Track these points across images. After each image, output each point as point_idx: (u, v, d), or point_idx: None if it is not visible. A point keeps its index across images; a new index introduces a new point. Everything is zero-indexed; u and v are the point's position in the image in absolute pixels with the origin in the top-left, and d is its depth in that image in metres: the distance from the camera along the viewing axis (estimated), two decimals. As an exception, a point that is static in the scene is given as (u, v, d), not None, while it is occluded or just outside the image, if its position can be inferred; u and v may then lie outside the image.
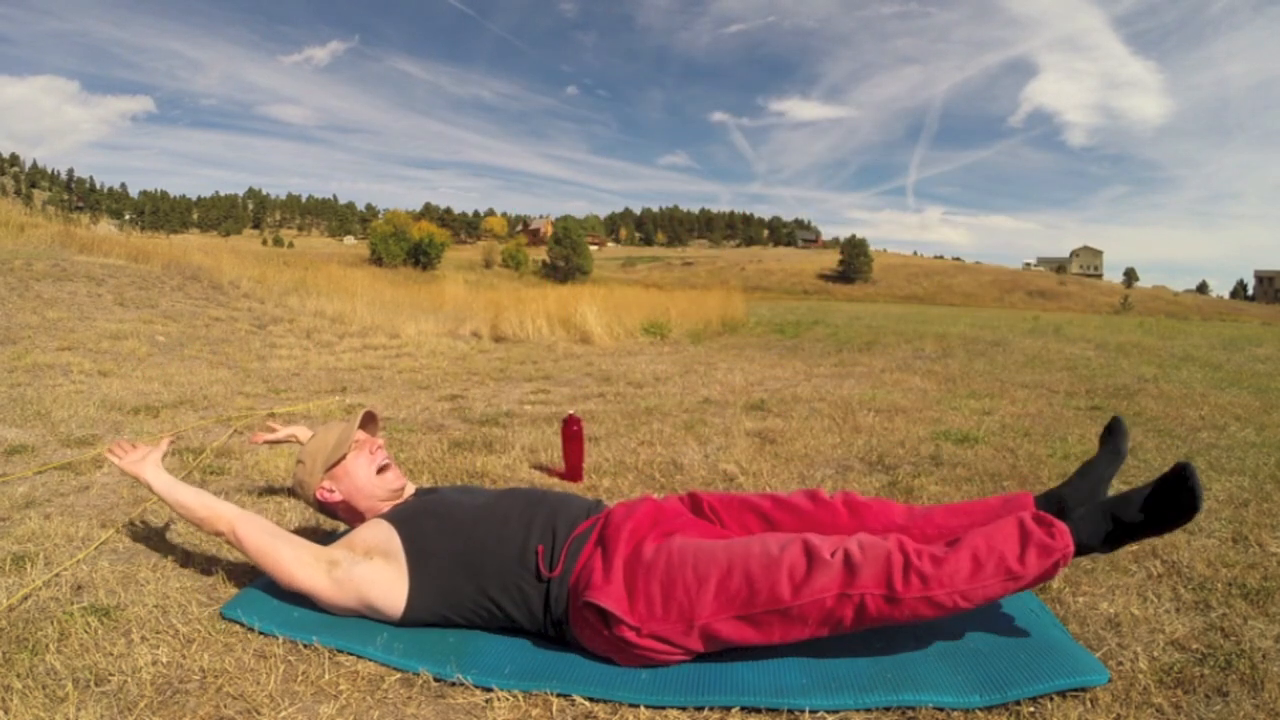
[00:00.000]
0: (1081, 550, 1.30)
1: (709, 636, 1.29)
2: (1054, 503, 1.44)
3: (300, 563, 1.45)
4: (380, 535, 1.47)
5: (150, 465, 1.64)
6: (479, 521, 1.47)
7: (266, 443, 2.07)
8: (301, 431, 2.11)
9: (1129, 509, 1.30)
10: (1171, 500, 1.26)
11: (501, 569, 1.41)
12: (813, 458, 2.87)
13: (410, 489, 1.72)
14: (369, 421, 1.78)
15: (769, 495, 1.58)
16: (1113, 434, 1.56)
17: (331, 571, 1.44)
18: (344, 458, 1.63)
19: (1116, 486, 2.43)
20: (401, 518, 1.51)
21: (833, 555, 1.26)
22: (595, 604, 1.29)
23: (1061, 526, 1.26)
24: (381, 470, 1.65)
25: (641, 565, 1.33)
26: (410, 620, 1.43)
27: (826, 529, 1.45)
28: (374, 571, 1.42)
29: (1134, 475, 2.55)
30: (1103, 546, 1.32)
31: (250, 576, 1.69)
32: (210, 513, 1.55)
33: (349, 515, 1.66)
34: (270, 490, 2.37)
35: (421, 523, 1.48)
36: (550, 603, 1.38)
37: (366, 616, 1.46)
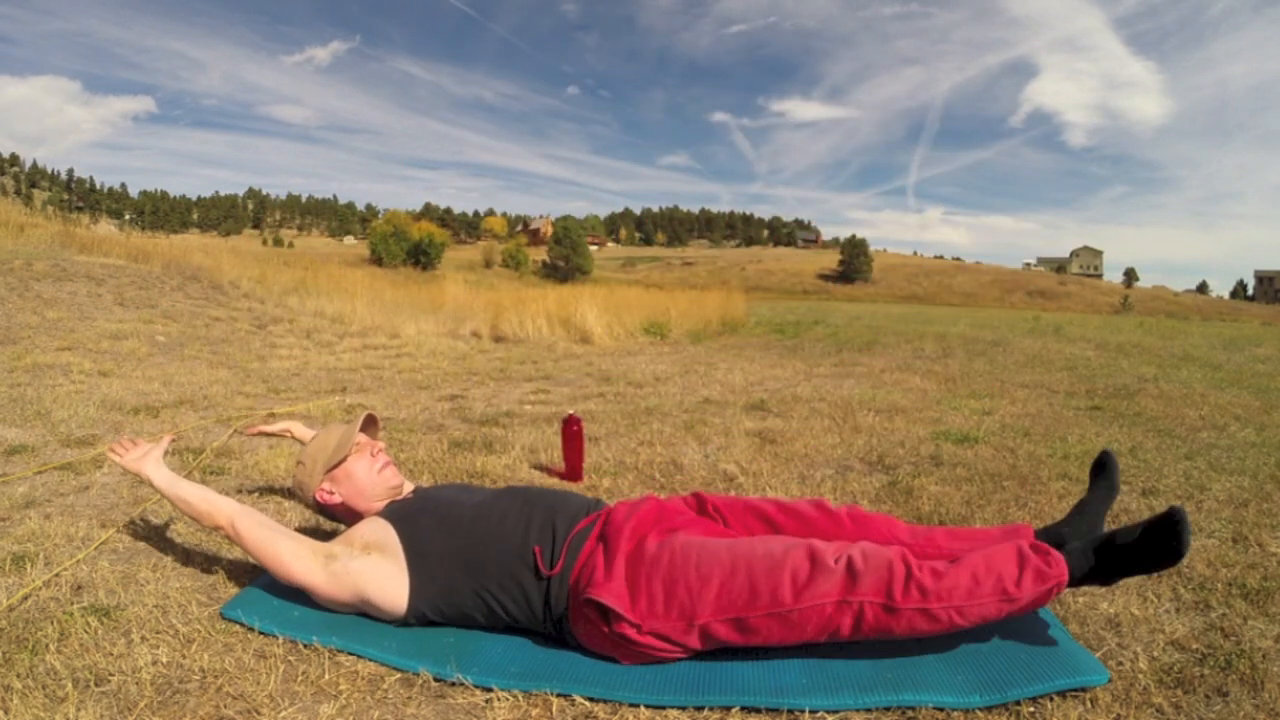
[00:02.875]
0: (1076, 582, 1.33)
1: (708, 636, 1.29)
2: (1053, 536, 1.46)
3: (298, 556, 1.45)
4: (378, 532, 1.47)
5: (151, 461, 1.65)
6: (477, 519, 1.47)
7: (261, 433, 2.11)
8: (296, 426, 2.12)
9: (1116, 549, 1.33)
10: (1159, 544, 1.28)
11: (501, 567, 1.41)
12: (813, 458, 2.87)
13: (409, 488, 1.72)
14: (370, 424, 1.78)
15: (774, 500, 1.59)
16: (1104, 469, 1.58)
17: (329, 565, 1.44)
18: (345, 460, 1.63)
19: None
20: (399, 516, 1.51)
21: (836, 561, 1.27)
22: (597, 601, 1.29)
23: (1058, 556, 1.29)
24: (381, 471, 1.65)
25: (644, 562, 1.33)
26: (410, 619, 1.43)
27: (830, 537, 1.45)
28: (371, 567, 1.42)
29: (1134, 475, 2.55)
30: (1100, 580, 1.35)
31: (250, 576, 1.69)
32: (210, 508, 1.55)
33: (349, 516, 1.66)
34: (270, 490, 2.37)
35: (419, 521, 1.48)
36: (550, 600, 1.38)
37: (364, 613, 1.46)
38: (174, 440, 1.87)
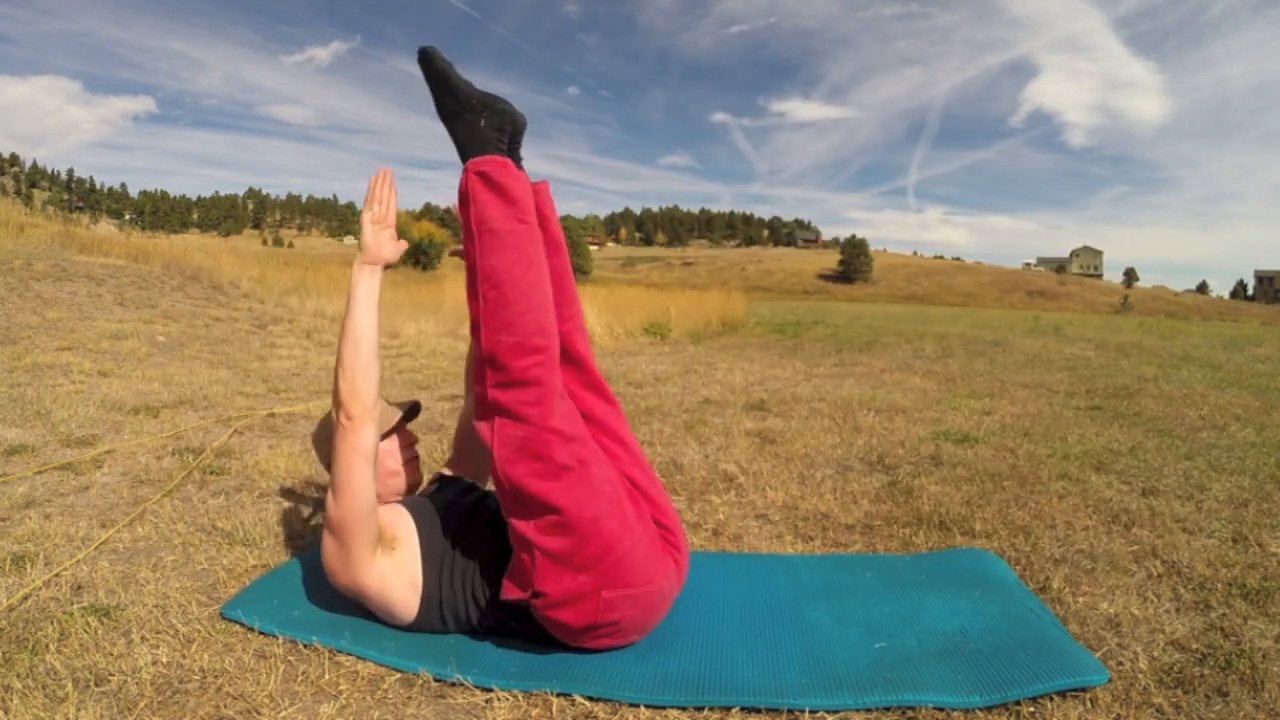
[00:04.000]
0: (467, 151, 1.36)
1: (547, 531, 1.27)
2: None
3: (370, 530, 1.34)
4: (401, 524, 1.44)
5: (381, 264, 1.39)
6: (486, 530, 1.46)
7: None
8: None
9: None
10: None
11: (499, 581, 1.40)
12: (813, 458, 2.87)
13: (427, 478, 1.72)
14: (412, 414, 1.73)
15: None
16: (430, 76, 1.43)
17: (379, 557, 1.37)
18: (381, 438, 1.58)
19: (1116, 484, 2.43)
20: (420, 512, 1.48)
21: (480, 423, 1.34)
22: (511, 601, 1.33)
23: (471, 160, 1.36)
24: (408, 462, 1.59)
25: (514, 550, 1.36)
26: (418, 626, 1.43)
27: None
28: (395, 566, 1.40)
29: (1134, 475, 2.55)
30: (467, 147, 1.37)
31: (250, 576, 1.69)
32: (365, 386, 1.31)
33: None
34: (270, 490, 2.37)
35: (437, 525, 1.46)
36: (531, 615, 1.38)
37: (371, 606, 1.43)
38: (408, 249, 1.52)
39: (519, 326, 1.29)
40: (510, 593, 1.32)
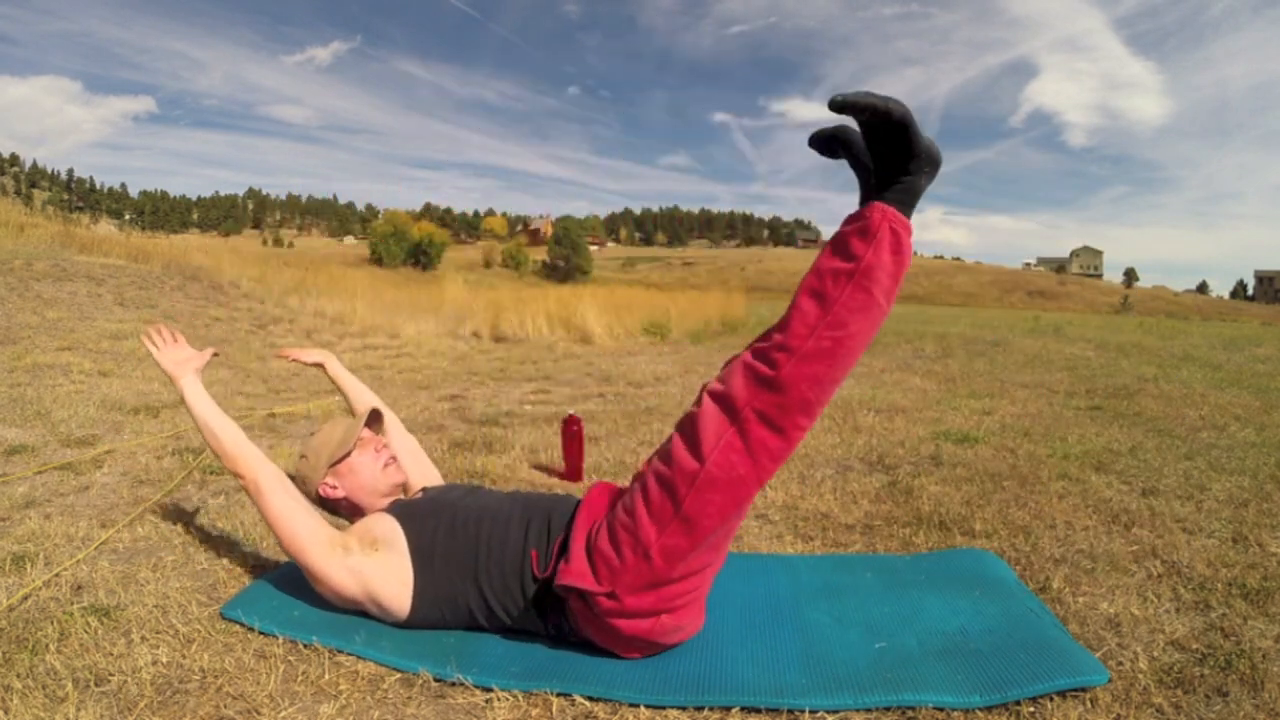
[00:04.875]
0: (898, 203, 1.20)
1: (669, 554, 1.26)
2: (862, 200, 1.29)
3: (315, 540, 1.44)
4: (386, 529, 1.46)
5: (191, 373, 1.58)
6: (482, 524, 1.46)
7: (295, 360, 1.99)
8: (331, 362, 2.01)
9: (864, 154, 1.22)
10: (885, 137, 1.16)
11: (501, 572, 1.41)
12: (813, 458, 2.87)
13: (419, 486, 1.72)
14: (375, 420, 1.77)
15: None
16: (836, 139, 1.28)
17: (345, 559, 1.42)
18: (349, 455, 1.62)
19: (1116, 484, 2.43)
20: (407, 514, 1.50)
21: (699, 404, 1.26)
22: (566, 586, 1.30)
23: (869, 206, 1.19)
24: (385, 467, 1.63)
25: (597, 537, 1.34)
26: (414, 622, 1.43)
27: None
28: (381, 566, 1.42)
29: (1134, 475, 2.55)
30: (890, 194, 1.20)
31: (251, 576, 1.69)
32: (239, 452, 1.50)
33: (351, 512, 1.66)
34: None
35: (426, 522, 1.48)
36: (545, 602, 1.38)
37: (365, 610, 1.45)
38: (216, 355, 1.77)
39: (822, 389, 1.21)
40: (578, 580, 1.29)
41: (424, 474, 1.84)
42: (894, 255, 1.19)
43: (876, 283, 1.18)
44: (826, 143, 1.26)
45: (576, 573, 1.30)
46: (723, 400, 1.23)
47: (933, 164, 1.21)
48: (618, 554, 1.28)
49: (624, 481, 2.53)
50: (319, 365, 2.02)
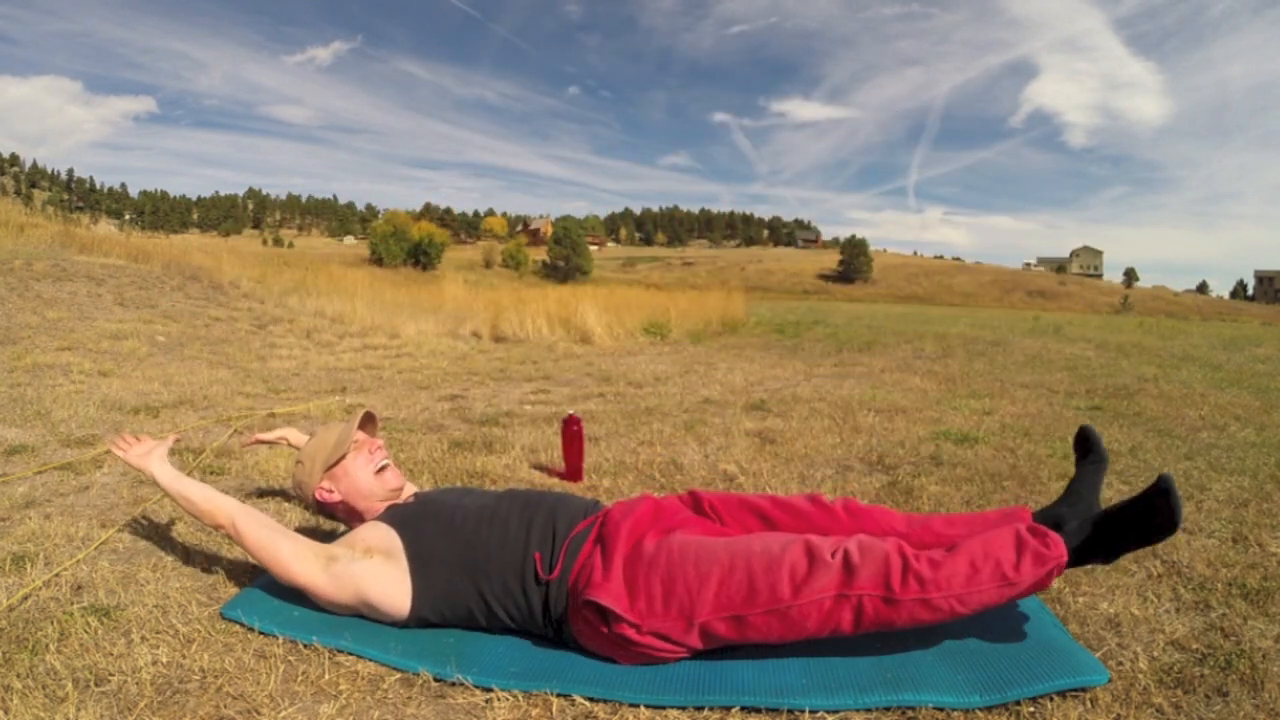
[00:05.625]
0: (1076, 560, 1.33)
1: (708, 634, 1.29)
2: (1050, 518, 1.45)
3: (299, 557, 1.45)
4: (380, 535, 1.47)
5: (156, 459, 1.65)
6: (479, 525, 1.46)
7: (258, 442, 2.09)
8: (292, 434, 2.12)
9: (1113, 522, 1.35)
10: (1153, 511, 1.31)
11: (502, 573, 1.41)
12: (813, 458, 2.87)
13: (410, 490, 1.71)
14: (368, 422, 1.78)
15: (769, 496, 1.58)
16: (1088, 442, 1.55)
17: (330, 567, 1.43)
18: (343, 458, 1.63)
19: (1115, 484, 2.43)
20: (401, 520, 1.51)
21: (833, 555, 1.27)
22: (596, 602, 1.29)
23: (1055, 537, 1.28)
24: (380, 471, 1.65)
25: (642, 562, 1.33)
26: (411, 622, 1.43)
27: (827, 531, 1.45)
28: (373, 569, 1.42)
29: (1134, 476, 2.55)
30: (1102, 557, 1.36)
31: (250, 576, 1.69)
32: (212, 506, 1.55)
33: (348, 515, 1.66)
34: (270, 491, 2.37)
35: (421, 526, 1.48)
36: (550, 604, 1.38)
37: (365, 616, 1.45)
38: (178, 440, 1.87)
39: (905, 624, 1.27)
40: (612, 602, 1.29)
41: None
42: (1038, 583, 1.27)
43: (1007, 597, 1.26)
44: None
45: (613, 595, 1.30)
46: (849, 570, 1.26)
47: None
48: (664, 603, 1.29)
49: (626, 479, 2.53)
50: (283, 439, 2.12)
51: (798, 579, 1.26)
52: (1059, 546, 1.27)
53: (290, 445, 2.12)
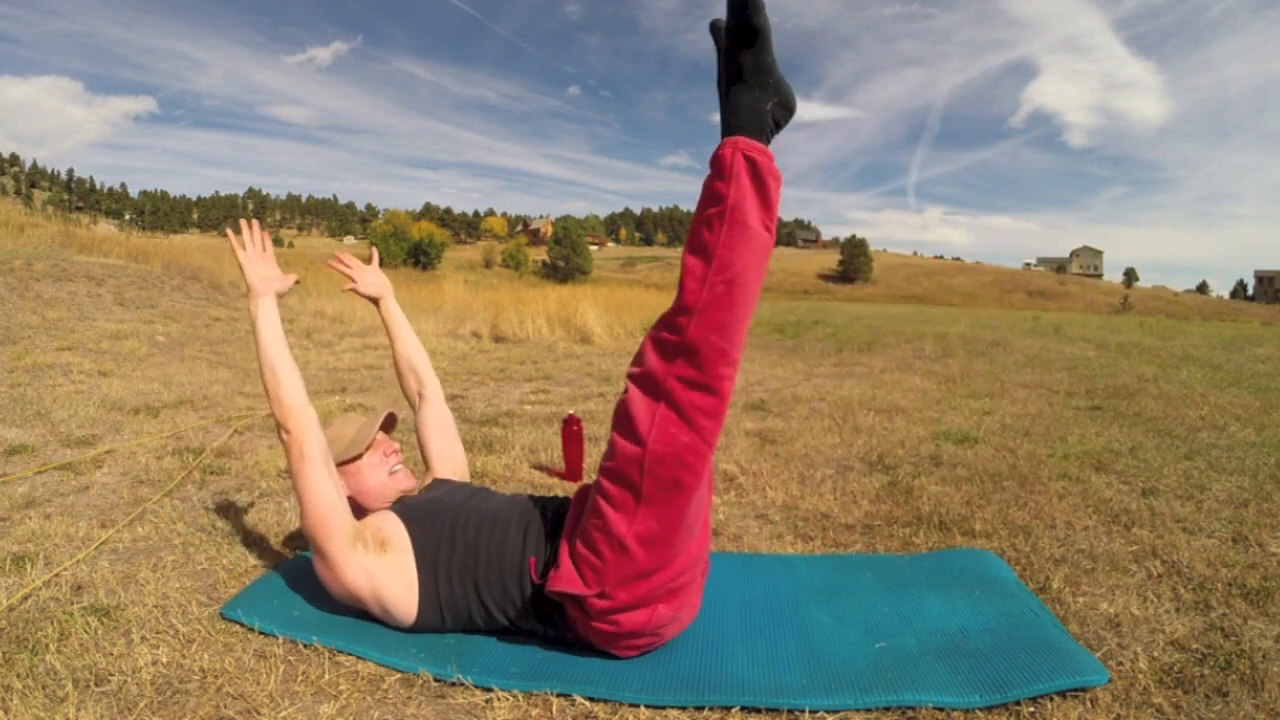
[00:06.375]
0: (742, 128, 1.20)
1: (648, 542, 1.26)
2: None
3: (344, 531, 1.38)
4: (391, 528, 1.45)
5: (272, 294, 1.49)
6: (481, 529, 1.46)
7: (349, 288, 1.91)
8: (387, 297, 1.95)
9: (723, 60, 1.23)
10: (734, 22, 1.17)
11: (501, 578, 1.40)
12: (813, 458, 2.87)
13: (438, 464, 1.75)
14: (390, 424, 1.74)
15: None
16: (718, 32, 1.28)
17: (364, 556, 1.40)
18: (359, 457, 1.60)
19: (1116, 484, 2.43)
20: (411, 517, 1.49)
21: (626, 390, 1.27)
22: (558, 593, 1.30)
23: (719, 147, 1.20)
24: (393, 473, 1.61)
25: (575, 542, 1.34)
26: (418, 627, 1.43)
27: None
28: (390, 568, 1.41)
29: (1134, 475, 2.55)
30: (738, 126, 1.21)
31: (251, 576, 1.69)
32: (294, 403, 1.40)
33: (353, 510, 1.65)
34: (270, 491, 2.37)
35: (429, 526, 1.46)
36: (546, 609, 1.38)
37: (367, 610, 1.44)
38: (298, 283, 1.66)
39: (732, 333, 1.22)
40: (570, 585, 1.29)
41: (451, 455, 1.83)
42: (755, 182, 1.19)
43: (748, 213, 1.19)
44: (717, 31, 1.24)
45: (566, 579, 1.30)
46: (643, 380, 1.24)
47: (778, 90, 1.21)
48: (597, 554, 1.28)
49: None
50: (375, 300, 1.94)
51: (630, 431, 1.23)
52: (724, 145, 1.19)
53: (378, 310, 1.94)
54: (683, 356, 1.21)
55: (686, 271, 1.23)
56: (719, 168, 1.20)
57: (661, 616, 1.31)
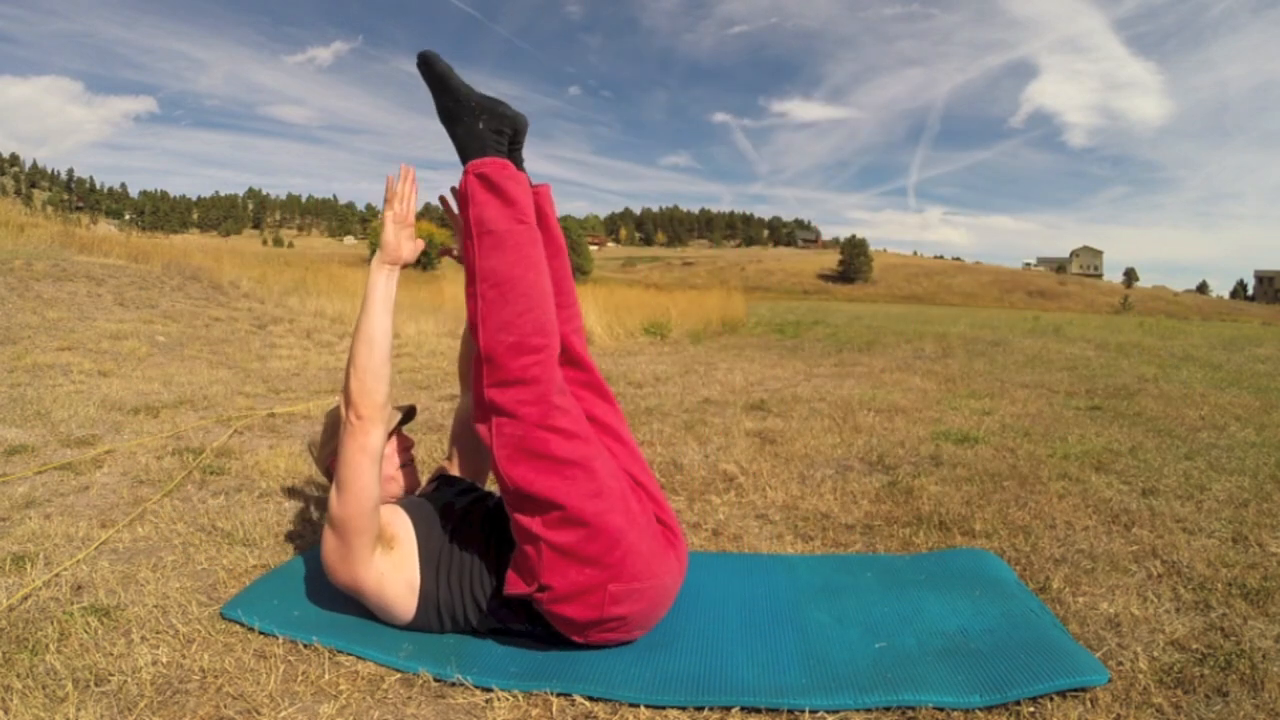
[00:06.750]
0: (467, 153, 1.39)
1: (553, 524, 1.27)
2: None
3: (371, 527, 1.35)
4: (400, 526, 1.44)
5: (399, 265, 1.43)
6: (482, 528, 1.46)
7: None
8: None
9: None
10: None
11: (498, 582, 1.40)
12: (813, 458, 2.87)
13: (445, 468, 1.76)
14: (408, 417, 1.73)
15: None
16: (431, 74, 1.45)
17: (381, 558, 1.38)
18: None
19: (1116, 484, 2.43)
20: (419, 515, 1.48)
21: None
22: (512, 597, 1.33)
23: (459, 182, 1.39)
24: (403, 467, 1.59)
25: (512, 551, 1.37)
26: (415, 626, 1.43)
27: None
28: (394, 566, 1.40)
29: (1134, 475, 2.55)
30: (464, 148, 1.41)
31: (250, 576, 1.69)
32: (375, 384, 1.33)
33: None
34: (270, 490, 2.37)
35: (433, 527, 1.46)
36: (532, 608, 1.38)
37: (366, 606, 1.44)
38: (425, 253, 1.60)
39: (517, 326, 1.30)
40: (515, 587, 1.32)
41: (482, 454, 1.77)
42: (490, 190, 1.33)
43: (493, 221, 1.33)
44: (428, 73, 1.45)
45: (511, 581, 1.33)
46: (476, 409, 1.35)
47: (483, 109, 1.39)
48: (523, 553, 1.32)
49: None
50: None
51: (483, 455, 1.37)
52: (463, 176, 1.37)
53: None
54: (485, 366, 1.32)
55: (466, 294, 1.37)
56: (460, 198, 1.38)
57: (615, 598, 1.29)
